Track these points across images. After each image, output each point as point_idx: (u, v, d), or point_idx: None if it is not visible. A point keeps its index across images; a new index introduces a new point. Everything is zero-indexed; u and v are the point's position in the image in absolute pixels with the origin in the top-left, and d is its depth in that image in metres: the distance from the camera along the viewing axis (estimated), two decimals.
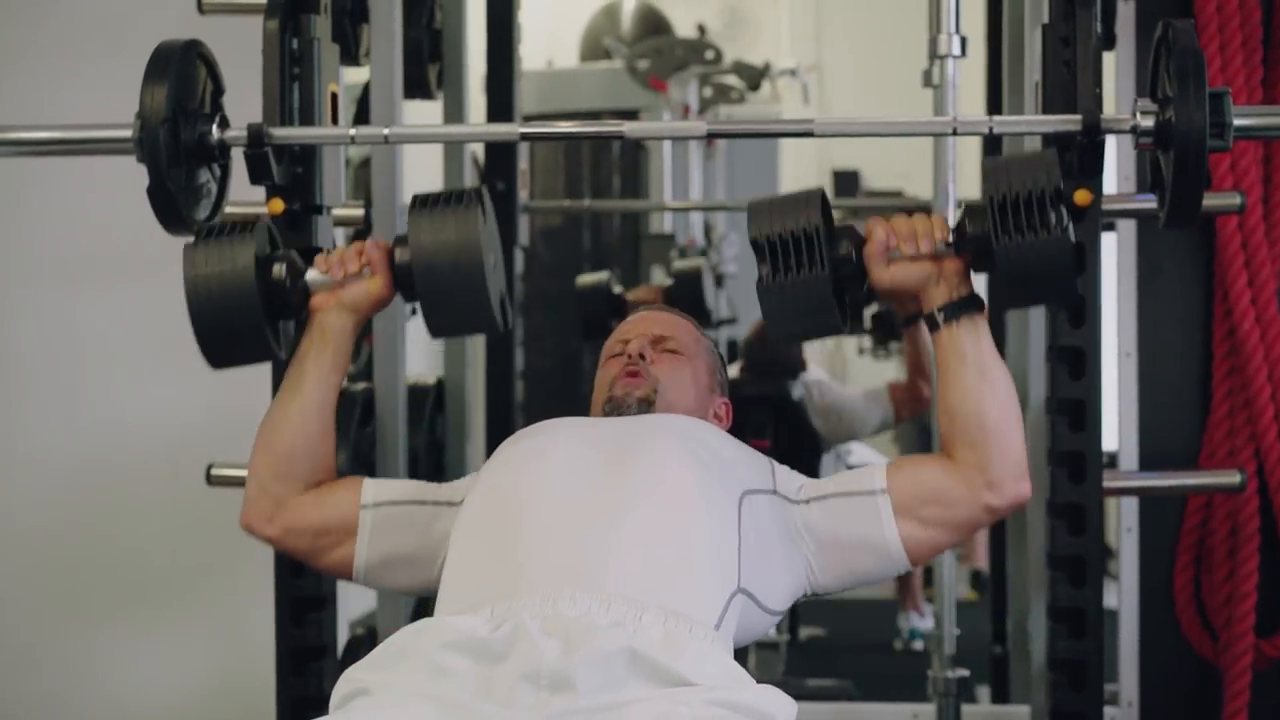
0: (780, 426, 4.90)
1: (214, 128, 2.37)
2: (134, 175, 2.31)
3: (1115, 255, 3.16)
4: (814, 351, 6.39)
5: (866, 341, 6.46)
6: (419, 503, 2.32)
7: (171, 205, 2.32)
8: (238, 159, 2.46)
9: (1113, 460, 3.19)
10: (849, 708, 4.00)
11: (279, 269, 2.29)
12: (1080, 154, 2.41)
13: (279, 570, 2.73)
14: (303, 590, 2.73)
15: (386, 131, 2.50)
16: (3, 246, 3.93)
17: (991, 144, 4.21)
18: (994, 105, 4.06)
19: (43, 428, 3.93)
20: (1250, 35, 3.16)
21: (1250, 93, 3.16)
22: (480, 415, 4.39)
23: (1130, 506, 3.18)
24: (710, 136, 2.49)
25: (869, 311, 6.21)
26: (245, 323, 2.24)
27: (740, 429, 2.49)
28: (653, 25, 7.07)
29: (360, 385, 3.15)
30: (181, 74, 2.32)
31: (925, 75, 3.31)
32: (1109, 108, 2.42)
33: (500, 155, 4.43)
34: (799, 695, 2.06)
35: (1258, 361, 3.17)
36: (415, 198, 2.27)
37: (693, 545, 2.09)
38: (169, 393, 3.91)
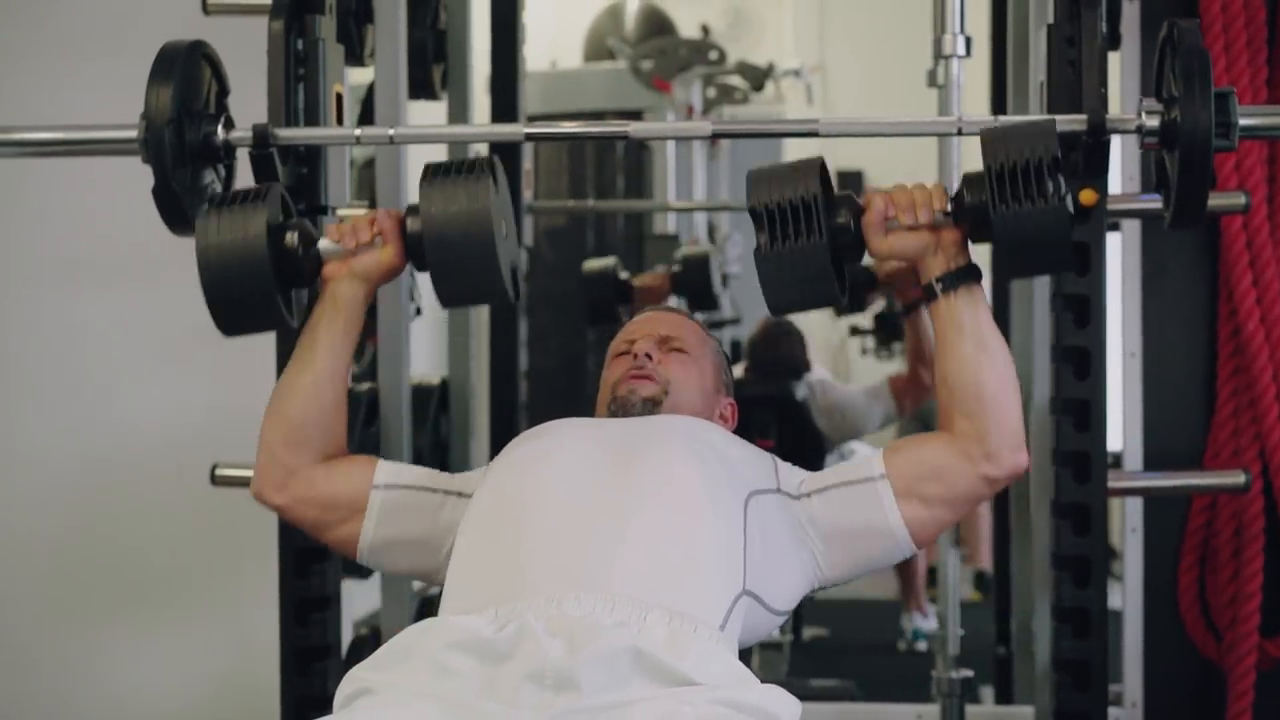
0: (784, 426, 4.90)
1: (219, 128, 2.38)
2: (138, 176, 2.31)
3: (1120, 255, 3.16)
4: (817, 352, 6.38)
5: (870, 342, 6.45)
6: (430, 490, 2.32)
7: (176, 206, 2.32)
8: (243, 159, 2.46)
9: (1117, 460, 3.19)
10: (852, 708, 4.00)
11: (291, 237, 2.28)
12: (1085, 154, 2.41)
13: (283, 570, 2.73)
14: (307, 590, 2.73)
15: (391, 132, 2.50)
16: (6, 247, 3.93)
17: None
18: (999, 105, 4.06)
19: (46, 428, 3.93)
20: (1255, 35, 3.16)
21: (1255, 92, 3.16)
22: (484, 415, 4.38)
23: (1135, 507, 3.18)
24: (715, 137, 2.49)
25: (872, 311, 6.22)
26: (257, 290, 2.23)
27: (745, 429, 2.49)
28: (656, 26, 7.07)
29: (365, 385, 3.15)
30: (186, 74, 2.32)
31: (930, 75, 3.31)
32: (1114, 108, 2.42)
33: (504, 155, 4.42)
34: (802, 696, 2.06)
35: (1262, 361, 3.16)
36: (427, 167, 2.26)
37: (698, 548, 2.09)
38: (173, 393, 3.91)
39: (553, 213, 6.29)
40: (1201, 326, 3.28)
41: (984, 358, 2.21)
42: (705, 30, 7.03)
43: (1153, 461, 3.19)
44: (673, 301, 5.39)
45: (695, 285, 5.04)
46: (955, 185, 3.29)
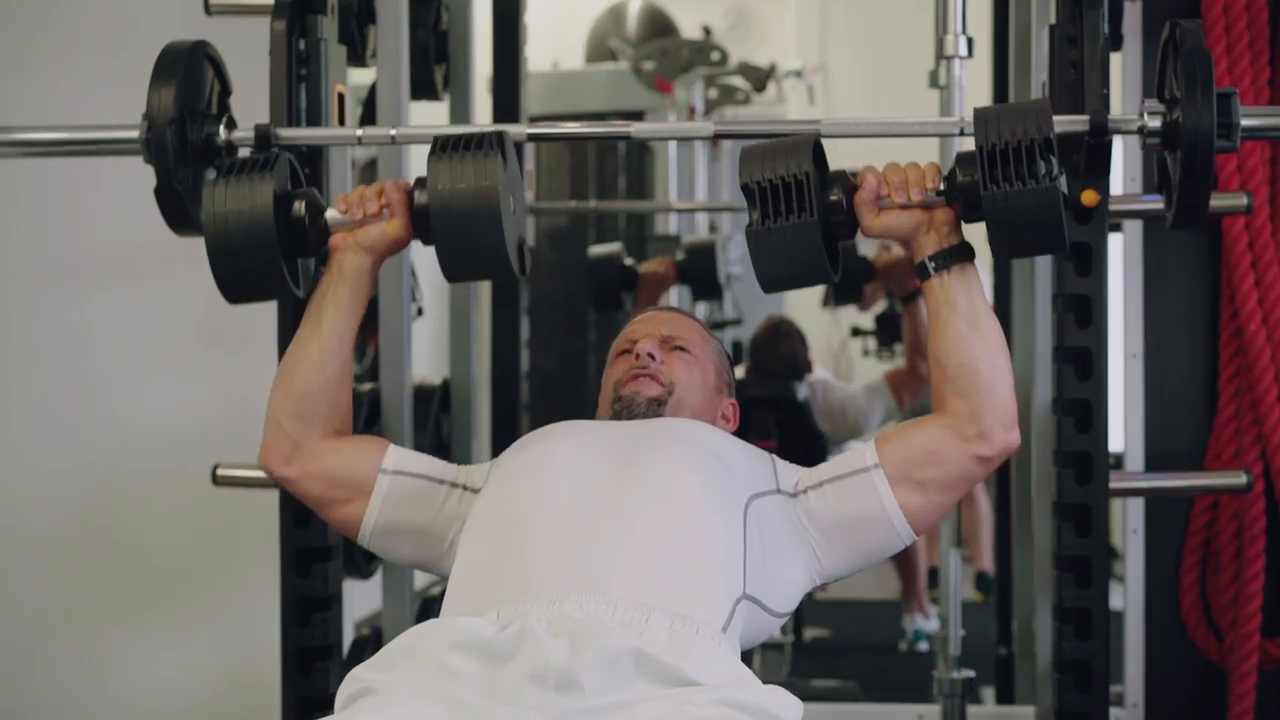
0: (785, 427, 4.90)
1: (221, 128, 2.38)
2: (141, 176, 2.32)
3: (1122, 256, 3.16)
4: (819, 353, 6.38)
5: (871, 343, 6.45)
6: (437, 480, 2.32)
7: (178, 206, 2.32)
8: None
9: (1119, 461, 3.19)
10: (854, 709, 4.00)
11: (299, 206, 2.28)
12: (1087, 154, 2.41)
13: (284, 570, 2.73)
14: (308, 590, 2.73)
15: (393, 132, 2.50)
16: (8, 247, 3.93)
17: None
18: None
19: (49, 428, 3.93)
20: (1257, 36, 3.16)
21: (1257, 93, 3.16)
22: (486, 416, 4.39)
23: (1136, 507, 3.18)
24: (717, 137, 2.49)
25: (874, 312, 6.22)
26: (263, 259, 2.23)
27: (746, 429, 2.49)
28: (658, 27, 7.07)
29: (366, 385, 3.16)
30: (189, 75, 2.32)
31: (932, 76, 3.30)
32: (1116, 108, 2.42)
33: None
34: (804, 696, 2.06)
35: (1264, 362, 3.16)
36: (436, 139, 2.26)
37: (698, 554, 2.09)
38: (174, 393, 3.91)
39: (554, 213, 6.29)
40: (1203, 327, 3.28)
41: (976, 336, 2.21)
42: (707, 31, 7.02)
43: (1154, 462, 3.20)
44: (674, 299, 5.40)
45: (700, 273, 5.04)
46: None
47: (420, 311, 3.45)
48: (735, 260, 5.84)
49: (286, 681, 2.74)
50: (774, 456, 2.32)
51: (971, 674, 3.31)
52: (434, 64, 3.59)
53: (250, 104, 2.54)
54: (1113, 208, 2.79)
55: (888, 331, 5.90)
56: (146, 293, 3.91)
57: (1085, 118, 2.35)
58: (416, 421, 3.23)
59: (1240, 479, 2.97)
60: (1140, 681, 3.17)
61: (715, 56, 6.20)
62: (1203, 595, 3.30)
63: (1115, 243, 3.05)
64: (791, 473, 2.29)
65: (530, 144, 4.71)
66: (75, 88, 3.79)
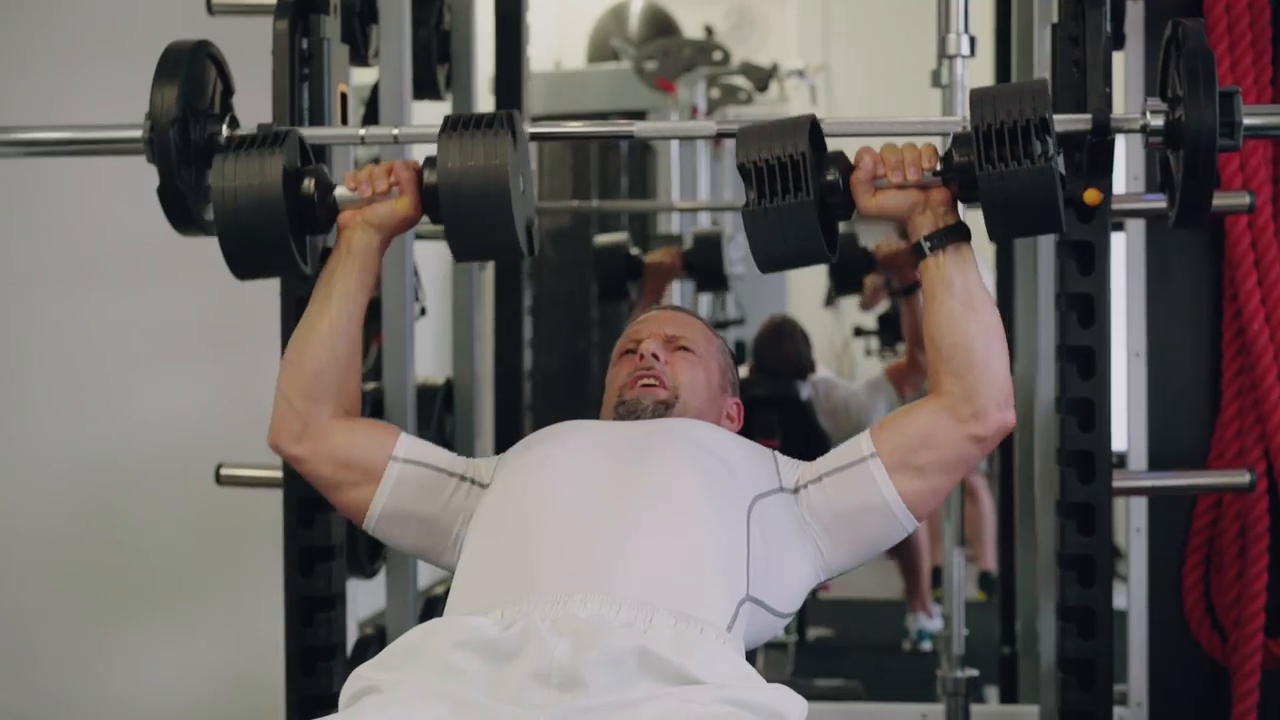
0: (789, 427, 4.90)
1: (224, 128, 2.38)
2: (144, 176, 2.32)
3: (1125, 255, 3.16)
4: (822, 353, 6.39)
5: (874, 343, 6.46)
6: (446, 473, 2.31)
7: (181, 205, 2.32)
8: None
9: (1122, 460, 3.19)
10: (858, 708, 4.00)
11: (308, 183, 2.28)
12: (1090, 153, 2.42)
13: (288, 569, 2.73)
14: (312, 590, 2.73)
15: (396, 131, 2.50)
16: (11, 247, 3.93)
17: None
18: None
19: (52, 428, 3.93)
20: (1260, 35, 3.16)
21: (1260, 92, 3.16)
22: (489, 415, 4.39)
23: (1139, 506, 3.18)
24: (719, 137, 2.49)
25: (877, 312, 6.22)
26: (273, 235, 2.22)
27: (749, 429, 2.49)
28: (660, 26, 7.07)
29: (369, 385, 3.16)
30: (191, 74, 2.33)
31: (934, 75, 3.31)
32: (1118, 107, 2.42)
33: None
34: (808, 695, 2.06)
35: (1267, 361, 3.16)
36: (446, 119, 2.25)
37: (701, 556, 2.09)
38: (178, 393, 3.92)
39: (557, 213, 6.29)
40: (1206, 326, 3.28)
41: (971, 315, 2.20)
42: (709, 31, 7.02)
43: (1157, 461, 3.19)
44: (677, 297, 5.40)
45: (706, 263, 5.04)
46: None
47: (423, 311, 3.45)
48: (738, 260, 5.84)
49: (290, 681, 2.74)
50: (775, 453, 2.32)
51: (975, 673, 3.32)
52: (436, 64, 3.59)
53: (253, 104, 2.54)
54: (1115, 207, 2.79)
55: (890, 331, 5.90)
56: (149, 292, 3.91)
57: (1088, 117, 2.35)
58: (419, 421, 3.23)
59: (1243, 478, 2.96)
60: (1144, 680, 3.17)
61: (717, 56, 6.20)
62: (1206, 594, 3.30)
63: (1118, 242, 3.05)
64: (792, 469, 2.29)
65: (533, 144, 4.73)
66: (78, 87, 3.79)
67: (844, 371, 7.76)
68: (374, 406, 3.16)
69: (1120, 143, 2.51)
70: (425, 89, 3.54)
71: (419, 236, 3.39)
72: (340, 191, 2.30)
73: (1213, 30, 3.12)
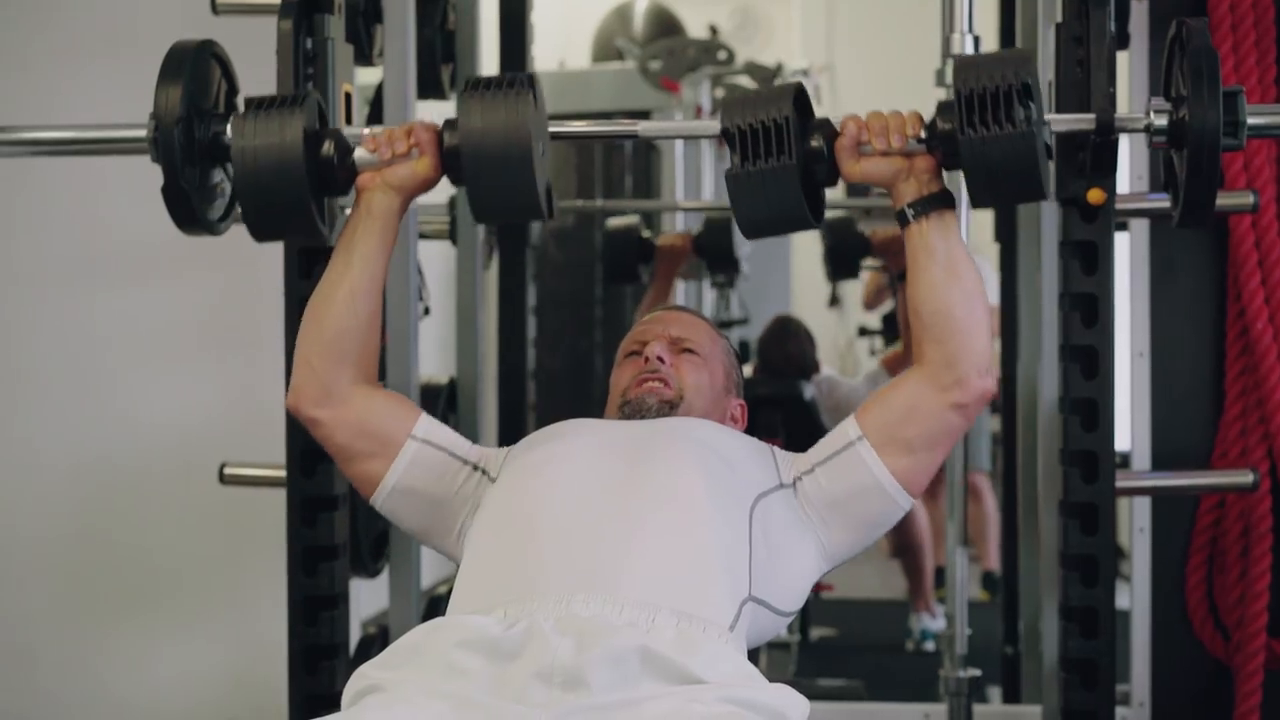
0: (792, 427, 4.90)
1: (228, 127, 2.38)
2: (148, 175, 2.32)
3: (1128, 254, 3.16)
4: (826, 352, 6.38)
5: (878, 343, 6.46)
6: (460, 459, 2.31)
7: (185, 205, 2.32)
8: None
9: (1125, 460, 3.19)
10: (860, 708, 4.00)
11: (327, 145, 2.27)
12: (1093, 153, 2.42)
13: (291, 568, 2.74)
14: (315, 589, 2.73)
15: None
16: (16, 247, 3.94)
17: None
18: None
19: (55, 427, 3.94)
20: (1264, 34, 3.16)
21: (1264, 91, 3.16)
22: (492, 415, 4.39)
23: (1143, 506, 3.18)
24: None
25: (881, 312, 6.22)
26: (292, 196, 2.22)
27: (753, 429, 2.49)
28: (665, 26, 7.07)
29: None
30: (196, 74, 2.33)
31: (938, 75, 3.30)
32: (1122, 107, 2.42)
33: None
34: (811, 695, 2.06)
35: (1271, 361, 3.16)
36: (466, 81, 2.25)
37: (704, 556, 2.09)
38: (181, 392, 3.92)
39: (561, 213, 6.29)
40: (1209, 326, 3.28)
41: (953, 282, 2.20)
42: (713, 31, 7.02)
43: (1161, 461, 3.19)
44: (681, 297, 5.40)
45: (716, 246, 5.04)
46: (963, 184, 3.32)
47: (427, 311, 3.45)
48: (742, 260, 5.85)
49: (293, 680, 2.75)
50: (773, 448, 2.32)
51: (978, 673, 3.32)
52: (441, 63, 3.60)
53: None
54: (1119, 206, 2.79)
55: (895, 331, 5.89)
56: (153, 292, 3.91)
57: (1091, 116, 2.35)
58: None
59: (1247, 478, 2.96)
60: (1146, 680, 3.16)
61: (722, 56, 6.20)
62: (1209, 594, 3.30)
63: (1122, 241, 3.04)
64: (789, 462, 2.29)
65: None
66: (82, 87, 3.79)
67: (848, 371, 7.76)
68: None
69: (1124, 142, 2.51)
70: (430, 89, 3.54)
71: (423, 236, 3.40)
72: (359, 153, 2.29)
73: (1217, 30, 3.13)
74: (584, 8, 7.36)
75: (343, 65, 2.72)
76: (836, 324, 7.84)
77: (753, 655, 2.14)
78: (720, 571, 2.09)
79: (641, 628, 1.97)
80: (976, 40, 3.14)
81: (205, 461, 3.25)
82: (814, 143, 2.23)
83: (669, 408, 2.36)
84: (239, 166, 2.22)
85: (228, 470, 3.10)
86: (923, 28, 4.11)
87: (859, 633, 6.10)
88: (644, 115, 5.86)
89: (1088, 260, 2.61)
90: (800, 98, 2.24)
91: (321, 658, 2.74)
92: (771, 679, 2.01)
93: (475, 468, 2.30)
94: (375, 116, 3.23)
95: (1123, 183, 3.04)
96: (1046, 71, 2.90)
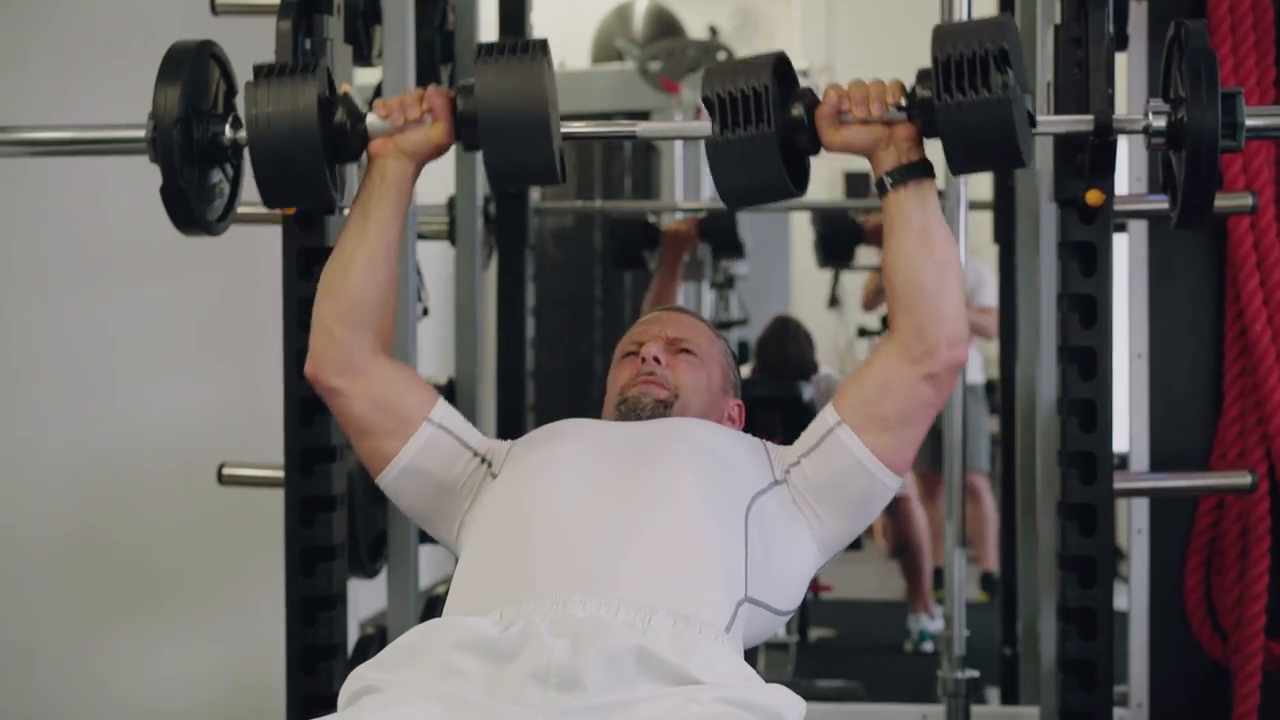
0: (791, 428, 4.89)
1: (227, 128, 2.38)
2: (147, 175, 2.32)
3: (1127, 256, 3.16)
4: (825, 353, 6.38)
5: (877, 343, 6.45)
6: (471, 450, 2.30)
7: (184, 205, 2.32)
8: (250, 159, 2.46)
9: (1124, 461, 3.19)
10: (859, 709, 4.00)
11: (340, 112, 2.27)
12: (1092, 154, 2.42)
13: (289, 569, 2.74)
14: (313, 589, 2.73)
15: None
16: (15, 247, 3.94)
17: None
18: None
19: (54, 427, 3.94)
20: (1263, 36, 3.17)
21: (1263, 93, 3.16)
22: (491, 416, 4.39)
23: (1141, 507, 3.18)
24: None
25: (880, 313, 6.21)
26: (307, 163, 2.22)
27: (751, 429, 2.49)
28: (664, 27, 7.07)
29: None
30: (195, 74, 2.33)
31: None
32: (1121, 108, 2.42)
33: None
34: (808, 696, 2.06)
35: (1269, 362, 3.17)
36: (480, 46, 2.25)
37: (700, 559, 2.09)
38: (180, 392, 3.92)
39: (560, 213, 6.29)
40: (1208, 327, 3.28)
41: (926, 251, 2.20)
42: (713, 31, 7.02)
43: (1159, 462, 3.19)
44: (683, 299, 5.40)
45: (721, 230, 5.05)
46: (963, 186, 3.32)
47: (426, 311, 3.45)
48: (741, 261, 5.85)
49: (291, 681, 2.75)
50: (766, 444, 2.32)
51: (976, 674, 3.32)
52: (440, 64, 3.59)
53: None
54: (1118, 208, 2.79)
55: None
56: (152, 292, 3.91)
57: (1090, 117, 2.35)
58: None
59: (1245, 479, 2.97)
60: (1145, 682, 3.16)
61: (722, 56, 6.20)
62: (1207, 595, 3.30)
63: (1120, 243, 3.05)
64: (780, 457, 2.29)
65: None
66: (81, 87, 3.79)
67: (848, 372, 7.76)
68: None
69: (1122, 143, 2.51)
70: None
71: (422, 236, 3.40)
72: (371, 120, 2.29)
73: (1216, 31, 3.13)
74: (584, 8, 7.36)
75: (342, 66, 2.72)
76: (836, 325, 7.83)
77: (751, 656, 2.14)
78: (716, 574, 2.09)
79: (638, 628, 1.97)
80: None
81: (204, 462, 3.25)
82: (794, 111, 2.23)
83: (664, 408, 2.36)
84: (253, 133, 2.21)
85: (226, 470, 3.10)
86: (923, 28, 4.09)
87: (857, 633, 6.10)
88: (644, 116, 5.84)
89: (1086, 261, 2.61)
90: (782, 67, 2.24)
91: (319, 658, 2.74)
92: (770, 679, 2.01)
93: (482, 460, 2.30)
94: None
95: (1121, 184, 3.04)
96: (1045, 73, 2.90)
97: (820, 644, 5.87)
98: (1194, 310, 3.28)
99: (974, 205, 3.93)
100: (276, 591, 2.78)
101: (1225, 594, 3.26)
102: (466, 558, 2.20)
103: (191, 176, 2.33)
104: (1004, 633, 4.19)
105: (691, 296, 5.71)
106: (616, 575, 2.03)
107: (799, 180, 2.27)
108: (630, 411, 2.36)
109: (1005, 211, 4.20)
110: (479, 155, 3.97)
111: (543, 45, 2.25)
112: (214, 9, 3.03)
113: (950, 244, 2.23)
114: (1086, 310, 2.63)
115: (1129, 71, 3.10)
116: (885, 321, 5.90)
